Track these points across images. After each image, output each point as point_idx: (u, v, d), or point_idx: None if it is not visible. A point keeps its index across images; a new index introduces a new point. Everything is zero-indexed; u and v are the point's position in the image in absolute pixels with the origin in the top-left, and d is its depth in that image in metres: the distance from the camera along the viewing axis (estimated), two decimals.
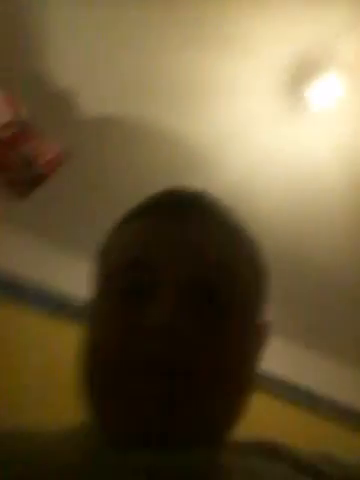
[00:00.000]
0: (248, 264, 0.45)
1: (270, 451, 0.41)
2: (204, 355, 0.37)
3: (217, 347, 0.38)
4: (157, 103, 1.55)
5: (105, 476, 0.34)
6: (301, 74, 1.39)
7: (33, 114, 1.38)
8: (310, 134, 1.51)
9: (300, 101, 1.45)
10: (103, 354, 0.39)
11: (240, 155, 1.59)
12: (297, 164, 1.59)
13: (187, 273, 0.40)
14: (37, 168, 1.30)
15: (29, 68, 1.50)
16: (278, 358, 1.70)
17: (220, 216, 0.47)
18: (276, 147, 1.56)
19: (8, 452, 0.40)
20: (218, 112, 1.53)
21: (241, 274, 0.43)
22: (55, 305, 1.90)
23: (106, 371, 0.38)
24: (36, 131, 1.37)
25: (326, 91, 1.39)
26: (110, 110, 1.61)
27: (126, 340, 0.38)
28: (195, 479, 0.34)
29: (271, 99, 1.47)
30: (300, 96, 1.44)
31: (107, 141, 1.69)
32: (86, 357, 0.41)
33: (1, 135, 1.26)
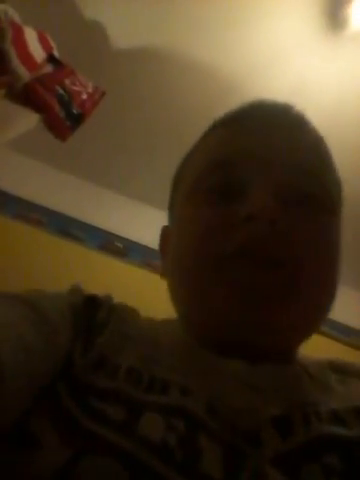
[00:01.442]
0: (334, 174, 0.45)
1: (328, 366, 0.44)
2: (302, 248, 0.37)
3: (314, 242, 0.38)
4: (190, 34, 1.49)
5: (210, 379, 0.35)
6: None
7: (66, 51, 1.37)
8: (350, 58, 1.41)
9: (340, 22, 1.34)
10: (198, 249, 0.39)
11: (279, 81, 1.52)
12: (338, 89, 1.51)
13: (280, 175, 0.39)
14: (75, 108, 1.31)
15: (60, 4, 1.46)
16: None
17: (307, 126, 0.46)
18: (315, 71, 1.48)
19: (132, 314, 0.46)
20: (254, 38, 1.46)
21: (330, 183, 0.43)
22: (101, 241, 2.00)
23: (203, 265, 0.38)
24: (70, 69, 1.36)
25: None
26: (142, 44, 1.56)
27: (222, 231, 0.38)
28: (290, 392, 0.35)
29: (309, 20, 1.37)
30: (340, 16, 1.33)
31: (140, 76, 1.66)
32: (179, 257, 0.42)
33: (38, 74, 1.26)
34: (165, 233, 0.55)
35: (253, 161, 0.40)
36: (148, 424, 0.29)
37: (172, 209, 0.51)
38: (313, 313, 0.39)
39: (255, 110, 0.46)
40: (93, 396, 0.32)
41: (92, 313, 0.42)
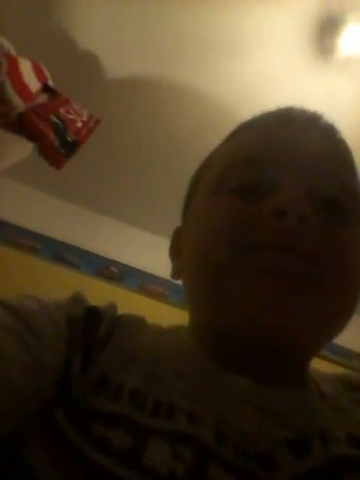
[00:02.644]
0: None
1: (342, 382, 0.43)
2: (330, 249, 0.35)
3: (341, 248, 0.36)
4: (182, 62, 1.53)
5: (215, 397, 0.34)
6: (329, 24, 1.33)
7: (61, 81, 1.39)
8: (338, 84, 1.45)
9: (328, 51, 1.39)
10: (223, 239, 0.37)
11: (270, 107, 1.55)
12: (327, 113, 1.54)
13: (311, 179, 0.38)
14: (70, 136, 1.32)
15: (54, 35, 1.50)
16: None
17: (338, 135, 0.45)
18: (304, 99, 1.52)
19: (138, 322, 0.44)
20: (244, 67, 1.50)
21: (357, 194, 0.41)
22: (97, 267, 1.99)
23: (228, 254, 0.36)
24: (65, 98, 1.38)
25: (354, 40, 1.34)
26: (135, 73, 1.60)
27: (250, 224, 0.36)
28: (301, 417, 0.34)
29: (298, 50, 1.41)
30: (328, 46, 1.37)
31: (134, 104, 1.69)
32: (202, 248, 0.39)
33: (33, 104, 1.28)
34: (177, 234, 0.52)
35: (285, 162, 0.39)
36: (154, 453, 0.28)
37: (188, 208, 0.48)
38: (333, 317, 0.37)
39: (287, 114, 0.45)
40: (95, 421, 0.30)
41: (93, 327, 0.39)
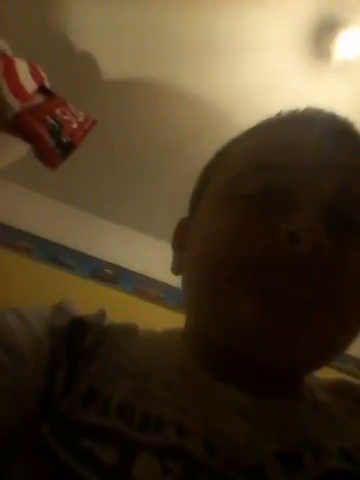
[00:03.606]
0: None
1: (338, 389, 0.42)
2: (341, 276, 0.34)
3: (351, 280, 0.35)
4: (179, 65, 1.53)
5: (207, 407, 0.33)
6: (325, 27, 1.33)
7: (58, 82, 1.39)
8: (335, 88, 1.46)
9: (325, 55, 1.40)
10: (229, 252, 0.35)
11: (265, 111, 1.55)
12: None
13: (329, 193, 0.36)
14: (66, 137, 1.32)
15: (51, 36, 1.50)
16: None
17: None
18: (301, 103, 1.53)
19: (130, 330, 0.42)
20: (241, 70, 1.50)
21: None
22: (92, 269, 1.98)
23: (232, 269, 0.35)
24: (61, 99, 1.38)
25: (350, 44, 1.35)
26: (131, 75, 1.60)
27: (260, 240, 0.34)
28: (291, 429, 0.33)
29: (295, 54, 1.42)
30: (325, 50, 1.38)
31: (130, 106, 1.69)
32: (204, 256, 0.38)
33: (29, 105, 1.27)
34: (182, 225, 0.49)
35: (303, 171, 0.37)
36: (143, 468, 0.27)
37: (198, 200, 0.46)
38: (338, 339, 0.36)
39: (310, 120, 0.42)
40: (82, 436, 0.29)
41: (78, 339, 0.38)
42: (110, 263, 2.08)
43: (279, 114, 0.44)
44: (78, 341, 0.37)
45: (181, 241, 0.46)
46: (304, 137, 0.39)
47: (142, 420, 0.31)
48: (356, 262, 0.36)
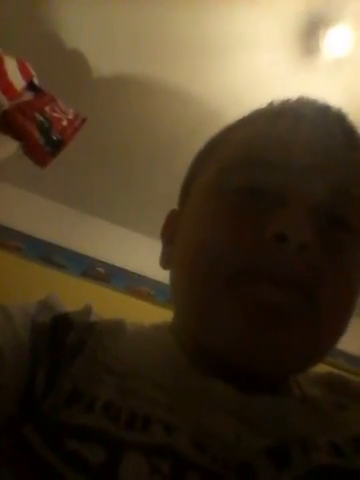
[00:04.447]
0: None
1: (327, 383, 0.42)
2: (327, 277, 0.34)
3: (339, 273, 0.35)
4: (169, 62, 1.53)
5: (195, 406, 0.33)
6: (314, 25, 1.34)
7: (47, 79, 1.38)
8: (324, 85, 1.47)
9: (314, 52, 1.40)
10: (214, 256, 0.35)
11: (256, 107, 1.56)
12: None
13: (321, 190, 0.35)
14: (55, 134, 1.31)
15: (41, 33, 1.49)
16: None
17: (356, 141, 0.40)
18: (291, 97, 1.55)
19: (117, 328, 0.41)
20: (231, 68, 1.50)
21: None
22: (83, 268, 1.97)
23: (217, 275, 0.34)
24: (51, 97, 1.37)
25: (339, 41, 1.35)
26: (122, 72, 1.59)
27: (246, 242, 0.34)
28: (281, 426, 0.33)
29: (284, 51, 1.42)
30: (314, 47, 1.39)
31: (121, 103, 1.68)
32: (191, 257, 0.37)
33: (17, 102, 1.26)
34: (172, 217, 0.48)
35: (293, 169, 0.36)
36: (130, 467, 0.27)
37: (187, 193, 0.45)
38: (325, 343, 0.36)
39: (303, 110, 0.41)
40: (67, 435, 0.29)
41: (61, 336, 0.37)
42: (102, 261, 2.07)
43: (271, 104, 0.43)
44: (61, 338, 0.36)
45: (171, 233, 0.46)
46: (295, 133, 0.38)
47: (129, 419, 0.31)
48: (345, 262, 0.36)
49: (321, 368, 0.45)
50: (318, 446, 0.31)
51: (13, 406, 0.31)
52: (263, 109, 0.43)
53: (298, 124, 0.39)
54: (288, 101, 0.43)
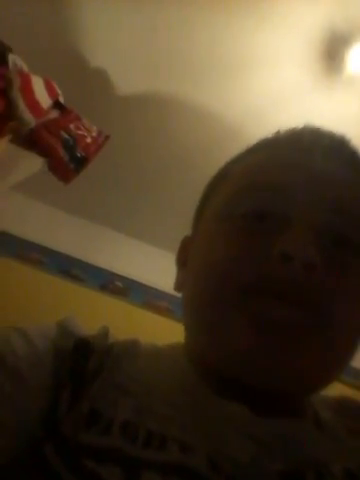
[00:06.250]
0: None
1: (340, 407, 0.42)
2: (335, 296, 0.34)
3: (347, 292, 0.35)
4: (191, 80, 1.55)
5: (211, 430, 0.33)
6: (336, 42, 1.35)
7: (72, 98, 1.42)
8: (346, 102, 1.47)
9: (335, 69, 1.41)
10: (224, 275, 0.36)
11: (277, 125, 1.56)
12: (335, 130, 1.56)
13: (326, 213, 0.36)
14: (80, 151, 1.34)
15: (65, 53, 1.54)
16: None
17: (358, 164, 0.42)
18: (311, 117, 1.54)
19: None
20: (251, 85, 1.51)
21: None
22: (102, 281, 1.99)
23: (227, 294, 0.35)
24: (76, 115, 1.41)
25: None
26: (144, 90, 1.63)
27: (254, 262, 0.35)
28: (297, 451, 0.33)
29: (305, 68, 1.43)
30: (335, 64, 1.39)
31: (143, 120, 1.71)
32: (202, 279, 0.38)
33: (44, 120, 1.30)
34: (185, 243, 0.50)
35: (298, 191, 0.37)
36: None
37: (199, 219, 0.47)
38: (338, 361, 0.36)
39: (307, 137, 0.42)
40: (85, 457, 0.29)
41: (82, 361, 0.37)
42: (120, 275, 2.09)
43: (277, 133, 0.45)
44: (83, 363, 0.37)
45: (184, 258, 0.47)
46: (300, 156, 0.40)
47: (146, 437, 0.31)
48: (351, 282, 0.36)
49: (341, 389, 0.44)
50: (332, 472, 0.31)
51: (37, 426, 0.32)
52: (268, 138, 0.45)
53: (301, 150, 0.41)
54: (292, 129, 0.44)
